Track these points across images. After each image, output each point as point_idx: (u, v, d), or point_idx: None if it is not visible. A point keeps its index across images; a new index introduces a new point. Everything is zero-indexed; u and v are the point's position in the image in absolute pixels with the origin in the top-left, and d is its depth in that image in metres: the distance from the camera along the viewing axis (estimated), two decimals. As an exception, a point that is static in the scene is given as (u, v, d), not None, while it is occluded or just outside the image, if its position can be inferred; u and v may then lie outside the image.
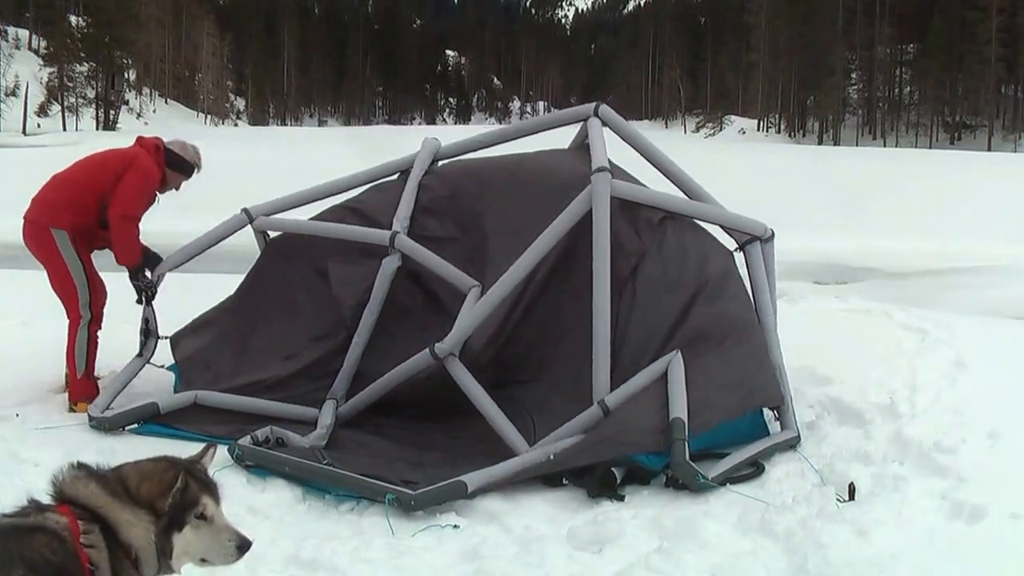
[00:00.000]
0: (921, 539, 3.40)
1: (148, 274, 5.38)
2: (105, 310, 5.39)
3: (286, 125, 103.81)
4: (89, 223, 5.22)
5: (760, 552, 3.42)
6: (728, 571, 3.30)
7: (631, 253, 4.80)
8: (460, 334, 4.64)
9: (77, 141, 35.56)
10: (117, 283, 5.54)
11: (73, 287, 5.17)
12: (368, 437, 4.68)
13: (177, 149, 5.50)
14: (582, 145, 5.40)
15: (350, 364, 4.91)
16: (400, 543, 3.55)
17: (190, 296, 6.00)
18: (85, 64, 61.21)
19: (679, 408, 4.17)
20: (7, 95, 60.57)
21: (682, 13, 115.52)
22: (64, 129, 55.70)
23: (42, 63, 66.79)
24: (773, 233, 5.23)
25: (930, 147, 60.87)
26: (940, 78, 69.19)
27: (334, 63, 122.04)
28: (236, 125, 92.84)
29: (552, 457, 4.10)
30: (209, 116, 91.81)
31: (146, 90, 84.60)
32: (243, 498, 3.78)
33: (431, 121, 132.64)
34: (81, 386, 5.08)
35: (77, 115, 60.35)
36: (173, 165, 5.45)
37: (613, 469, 4.03)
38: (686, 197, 5.31)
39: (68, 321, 5.18)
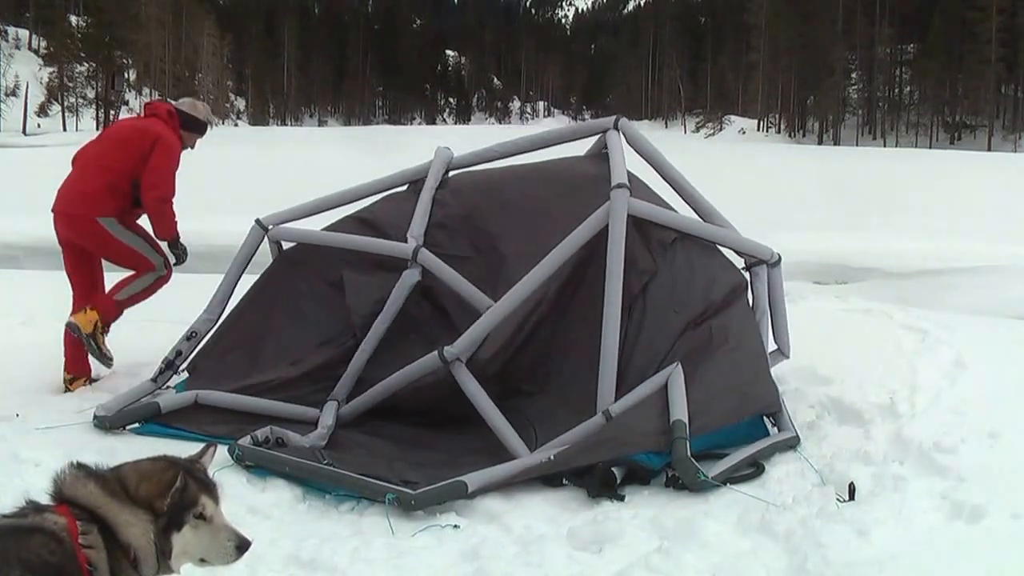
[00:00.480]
0: (921, 539, 3.40)
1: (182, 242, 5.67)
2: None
3: (286, 125, 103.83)
4: (128, 204, 5.47)
5: (760, 552, 3.42)
6: (728, 571, 3.30)
7: (643, 271, 4.87)
8: (471, 339, 4.65)
9: (77, 141, 35.59)
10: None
11: (143, 257, 5.51)
12: (368, 437, 4.68)
13: (188, 109, 5.72)
14: (599, 153, 5.45)
15: (355, 368, 4.89)
16: (400, 543, 3.54)
17: (190, 295, 6.00)
18: (85, 64, 61.23)
19: (680, 411, 4.20)
20: (7, 95, 60.60)
21: (682, 13, 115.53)
22: (64, 129, 55.74)
23: (42, 63, 66.86)
24: (780, 258, 5.31)
25: (930, 147, 60.89)
26: (940, 78, 69.25)
27: (334, 63, 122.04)
28: (236, 125, 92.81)
29: (552, 457, 4.10)
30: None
31: (146, 90, 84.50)
32: (243, 498, 3.78)
33: (431, 121, 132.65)
34: (104, 305, 5.36)
35: (77, 115, 60.40)
36: (187, 126, 5.66)
37: (613, 469, 4.03)
38: (697, 216, 5.37)
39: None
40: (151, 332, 6.38)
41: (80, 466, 2.22)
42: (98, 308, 5.37)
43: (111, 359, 5.44)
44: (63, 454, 3.43)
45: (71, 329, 5.34)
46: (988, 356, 5.61)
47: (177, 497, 2.18)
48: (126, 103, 72.45)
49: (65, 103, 60.78)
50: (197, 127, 5.71)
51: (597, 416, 4.36)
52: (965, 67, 66.85)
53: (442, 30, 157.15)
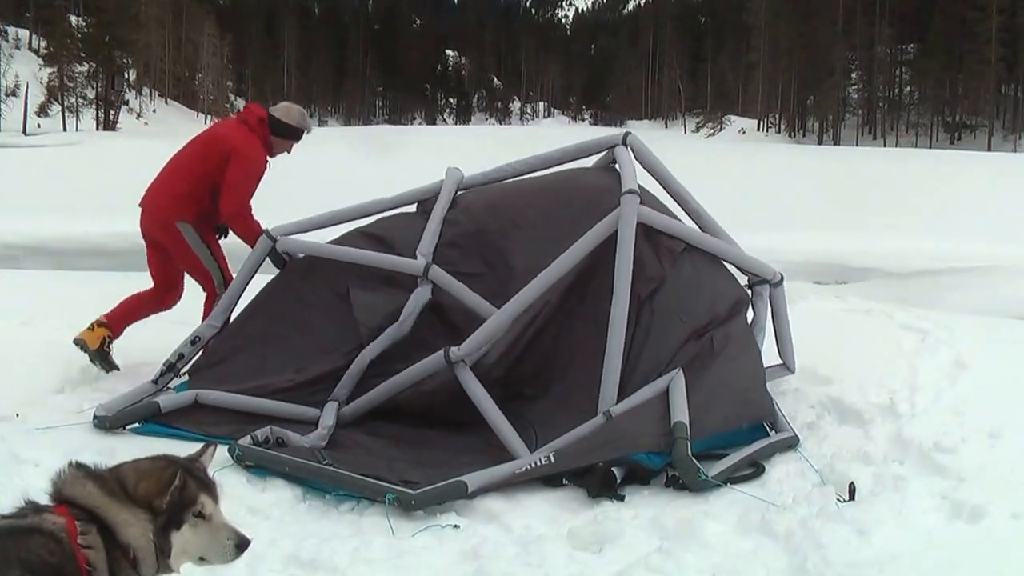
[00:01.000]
0: (921, 539, 3.40)
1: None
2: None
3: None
4: (208, 209, 5.58)
5: (760, 552, 3.42)
6: (728, 571, 3.30)
7: (651, 278, 4.91)
8: (476, 342, 4.67)
9: (77, 141, 35.61)
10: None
11: (206, 271, 5.62)
12: (368, 437, 4.67)
13: (281, 115, 5.67)
14: (607, 166, 5.50)
15: (356, 369, 4.88)
16: (400, 543, 3.54)
17: (190, 295, 6.00)
18: (85, 64, 61.17)
19: (680, 413, 4.23)
20: (7, 95, 60.55)
21: (682, 13, 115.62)
22: (64, 129, 55.67)
23: (42, 63, 66.76)
24: (782, 277, 5.36)
25: (930, 147, 60.85)
26: (940, 78, 69.18)
27: (334, 63, 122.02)
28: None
29: (552, 458, 4.10)
30: (209, 116, 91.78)
31: (146, 90, 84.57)
32: (243, 498, 3.78)
33: (431, 121, 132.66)
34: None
35: (77, 115, 60.32)
36: (279, 132, 5.65)
37: (613, 469, 4.04)
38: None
39: (205, 295, 5.69)
40: (151, 332, 6.38)
41: (79, 466, 2.22)
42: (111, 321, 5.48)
43: (117, 368, 5.52)
44: (63, 454, 3.42)
45: (77, 345, 5.44)
46: (988, 356, 5.61)
47: (176, 496, 2.18)
48: (126, 103, 72.41)
49: (65, 103, 60.62)
50: (290, 133, 5.67)
51: (598, 417, 4.38)
52: (965, 67, 66.81)
53: (442, 30, 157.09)
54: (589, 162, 5.78)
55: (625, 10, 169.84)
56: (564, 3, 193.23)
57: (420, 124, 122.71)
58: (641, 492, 4.04)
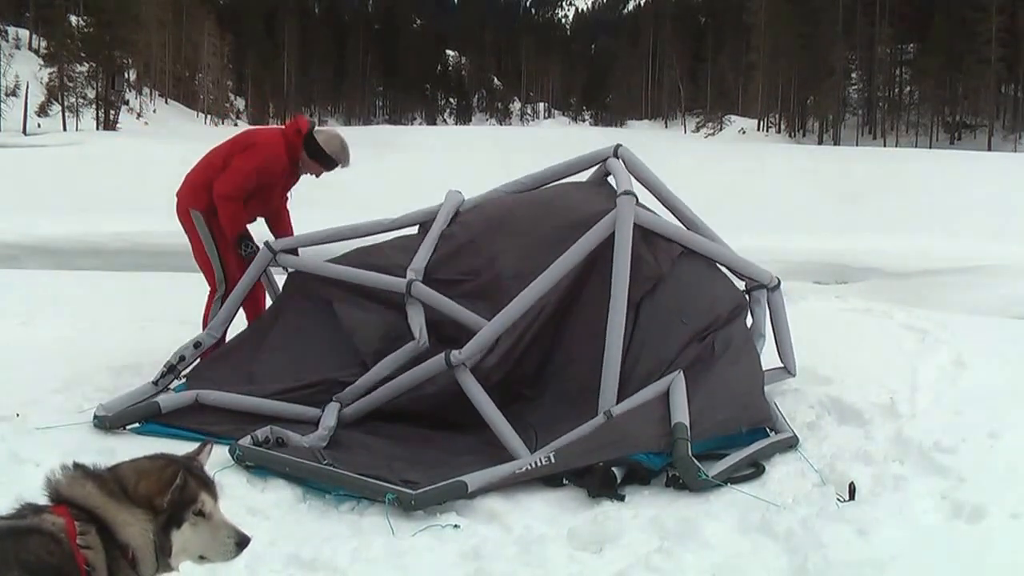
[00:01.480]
0: (921, 539, 3.40)
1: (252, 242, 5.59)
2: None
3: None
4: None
5: (760, 552, 3.42)
6: (728, 571, 3.30)
7: (648, 278, 4.92)
8: (477, 345, 4.69)
9: (77, 141, 35.57)
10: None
11: (209, 264, 5.62)
12: (368, 437, 4.67)
13: (321, 140, 5.66)
14: (601, 180, 5.54)
15: (368, 381, 4.87)
16: (400, 543, 3.54)
17: (191, 295, 6.00)
18: (85, 64, 61.15)
19: (681, 415, 4.24)
20: (7, 95, 60.52)
21: (682, 13, 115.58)
22: (64, 129, 55.65)
23: (42, 63, 66.73)
24: (779, 282, 5.36)
25: (930, 147, 60.84)
26: (940, 78, 69.16)
27: (334, 63, 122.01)
28: (236, 125, 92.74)
29: (553, 458, 4.10)
30: (209, 116, 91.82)
31: (146, 90, 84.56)
32: (243, 498, 3.78)
33: (431, 121, 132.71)
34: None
35: (77, 115, 60.30)
36: (310, 152, 5.62)
37: (613, 469, 4.04)
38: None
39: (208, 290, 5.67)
40: (152, 332, 6.39)
41: (77, 466, 2.22)
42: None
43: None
44: (63, 454, 3.41)
45: None
46: (988, 356, 5.61)
47: (177, 494, 2.18)
48: (126, 103, 72.41)
49: (65, 103, 60.60)
50: (321, 160, 5.65)
51: (598, 416, 4.38)
52: (965, 67, 66.77)
53: (442, 30, 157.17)
54: (583, 177, 5.81)
55: (625, 10, 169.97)
56: (564, 3, 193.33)
57: (420, 124, 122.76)
58: (641, 492, 4.04)
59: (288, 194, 5.94)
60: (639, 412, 4.39)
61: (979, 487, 3.69)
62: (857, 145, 63.54)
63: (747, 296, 5.32)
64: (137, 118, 74.04)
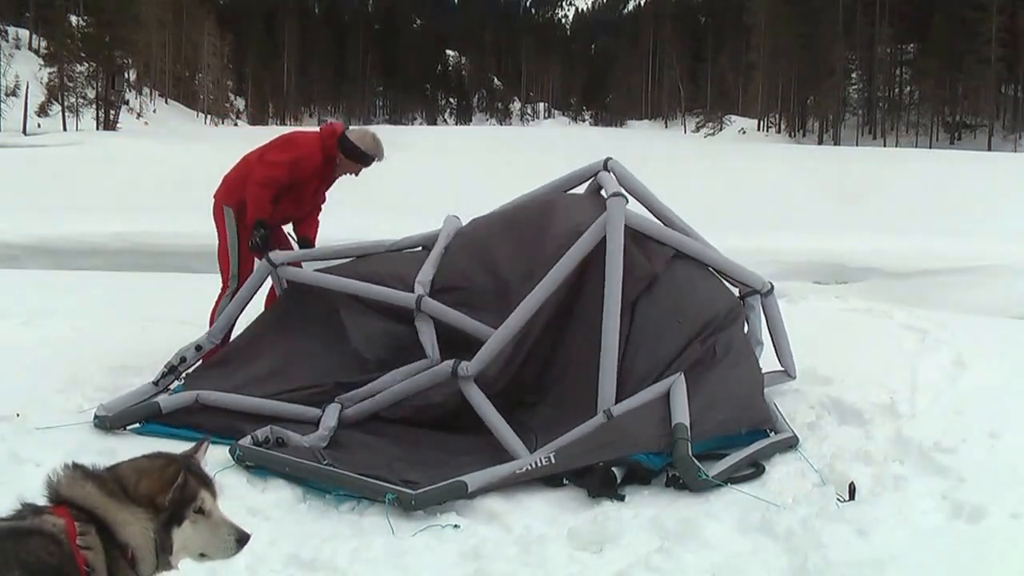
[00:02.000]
0: (921, 539, 3.40)
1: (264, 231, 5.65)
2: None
3: (286, 125, 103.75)
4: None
5: (760, 552, 3.42)
6: (728, 571, 3.30)
7: (641, 278, 4.94)
8: (484, 358, 4.71)
9: (77, 141, 35.57)
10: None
11: (226, 259, 5.76)
12: (368, 436, 4.68)
13: (354, 138, 5.81)
14: (596, 192, 5.58)
15: (370, 390, 4.88)
16: (400, 543, 3.54)
17: (190, 295, 6.00)
18: (85, 64, 61.15)
19: (681, 415, 4.25)
20: (7, 95, 60.52)
21: (682, 13, 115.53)
22: (64, 129, 55.65)
23: (42, 63, 66.74)
24: (772, 287, 5.38)
25: (930, 147, 60.83)
26: (940, 78, 69.15)
27: (334, 63, 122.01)
28: (236, 125, 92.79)
29: (553, 459, 4.10)
30: (209, 116, 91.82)
31: (146, 90, 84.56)
32: (243, 499, 3.78)
33: (432, 121, 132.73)
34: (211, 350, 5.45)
35: (77, 115, 60.29)
36: (346, 152, 5.76)
37: (613, 469, 4.04)
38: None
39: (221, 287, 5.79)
40: (152, 332, 6.39)
41: (77, 466, 2.22)
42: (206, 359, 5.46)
43: None
44: (63, 454, 3.42)
45: None
46: (988, 356, 5.61)
47: (178, 493, 2.18)
48: (126, 103, 72.40)
49: (65, 103, 60.58)
50: (356, 156, 5.78)
51: (598, 416, 4.39)
52: (965, 67, 66.73)
53: (442, 30, 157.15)
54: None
55: (625, 10, 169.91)
56: (564, 3, 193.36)
57: (421, 124, 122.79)
58: (641, 492, 4.04)
59: (321, 202, 6.07)
60: (639, 412, 4.40)
61: (979, 487, 3.69)
62: (857, 145, 63.53)
63: (742, 302, 5.34)
64: (137, 118, 74.05)
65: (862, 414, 4.74)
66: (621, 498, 3.96)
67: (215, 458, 3.98)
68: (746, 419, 4.56)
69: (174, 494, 2.17)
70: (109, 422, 4.56)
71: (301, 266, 5.69)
